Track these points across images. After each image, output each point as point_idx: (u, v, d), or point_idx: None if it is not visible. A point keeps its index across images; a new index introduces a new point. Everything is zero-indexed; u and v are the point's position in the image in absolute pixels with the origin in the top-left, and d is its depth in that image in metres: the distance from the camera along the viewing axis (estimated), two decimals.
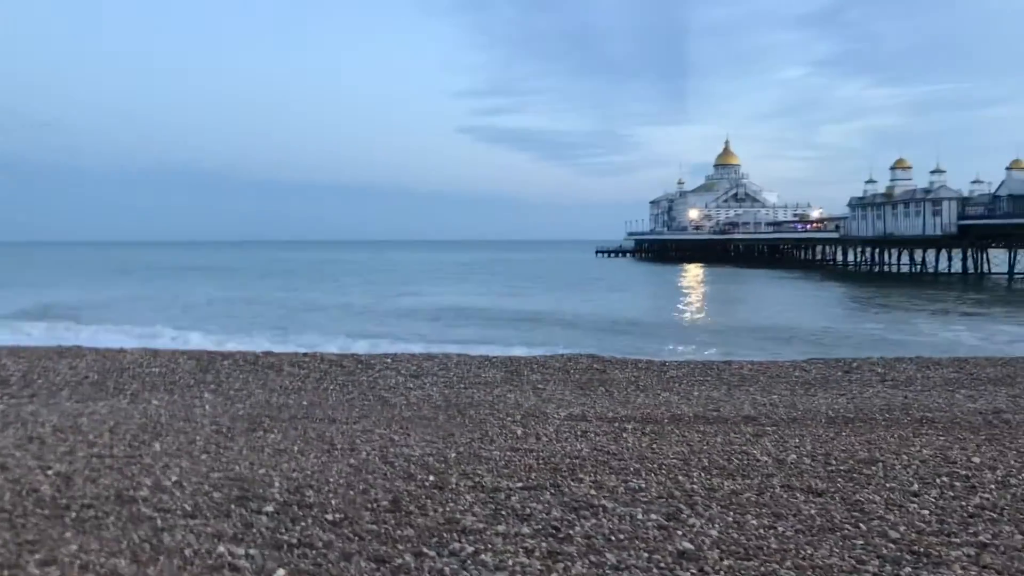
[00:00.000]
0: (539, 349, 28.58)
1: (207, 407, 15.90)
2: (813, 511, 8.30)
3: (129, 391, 18.02)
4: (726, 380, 19.54)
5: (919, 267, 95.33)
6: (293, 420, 14.25)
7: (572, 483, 9.51)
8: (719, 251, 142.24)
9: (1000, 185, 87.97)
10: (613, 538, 7.59)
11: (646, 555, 7.05)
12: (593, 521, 8.09)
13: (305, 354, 24.11)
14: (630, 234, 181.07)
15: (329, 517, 8.51)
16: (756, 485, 9.35)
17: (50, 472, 10.05)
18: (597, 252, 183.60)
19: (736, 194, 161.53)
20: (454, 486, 9.50)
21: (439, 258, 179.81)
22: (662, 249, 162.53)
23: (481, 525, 8.08)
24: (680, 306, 60.62)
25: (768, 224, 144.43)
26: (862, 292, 74.76)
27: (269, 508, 8.87)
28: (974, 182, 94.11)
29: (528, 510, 8.49)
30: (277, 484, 9.72)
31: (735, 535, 7.63)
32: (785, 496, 8.89)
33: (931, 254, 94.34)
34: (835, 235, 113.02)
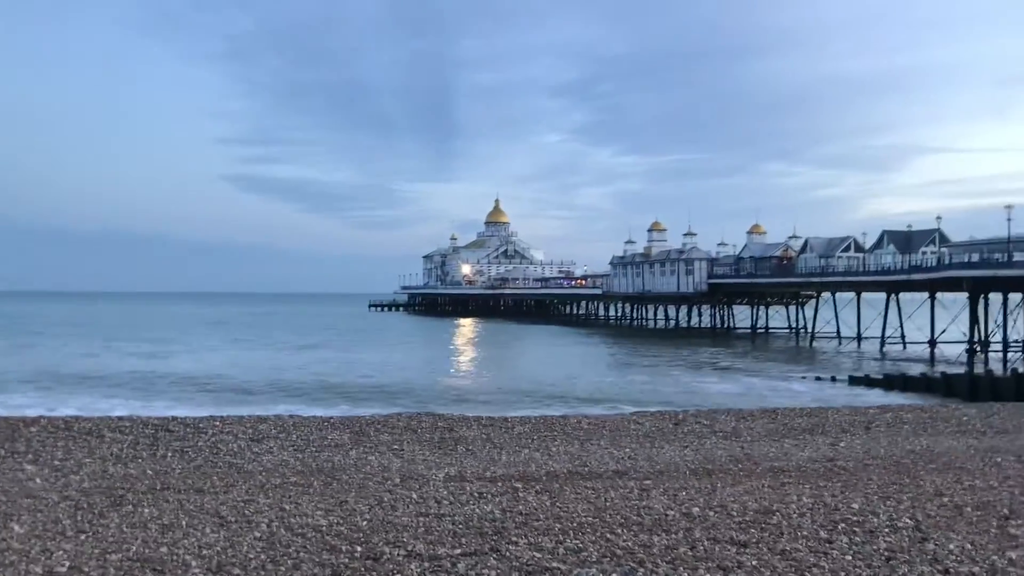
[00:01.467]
0: (360, 409, 28.10)
1: (38, 480, 14.36)
2: (754, 562, 8.80)
3: None
4: (572, 435, 20.14)
5: (674, 322, 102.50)
6: (155, 491, 13.21)
7: (509, 546, 9.50)
8: (490, 305, 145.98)
9: (743, 248, 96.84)
10: None
11: None
12: None
13: (121, 418, 22.30)
14: (404, 288, 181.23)
15: None
16: (683, 539, 9.76)
17: None
18: (370, 306, 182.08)
19: (506, 251, 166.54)
20: (389, 556, 9.23)
21: (203, 312, 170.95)
22: (436, 303, 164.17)
23: None
24: (466, 363, 61.61)
25: (536, 280, 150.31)
26: (625, 346, 79.17)
27: None
28: (720, 244, 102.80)
29: None
30: (194, 564, 9.03)
31: None
32: (717, 549, 9.35)
33: (684, 309, 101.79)
34: (598, 291, 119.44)
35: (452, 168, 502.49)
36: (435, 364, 58.92)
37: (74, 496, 12.79)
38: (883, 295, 69.68)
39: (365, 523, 10.77)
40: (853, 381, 46.37)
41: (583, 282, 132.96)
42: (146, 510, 11.69)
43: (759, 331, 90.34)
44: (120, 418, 22.44)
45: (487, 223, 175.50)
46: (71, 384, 40.37)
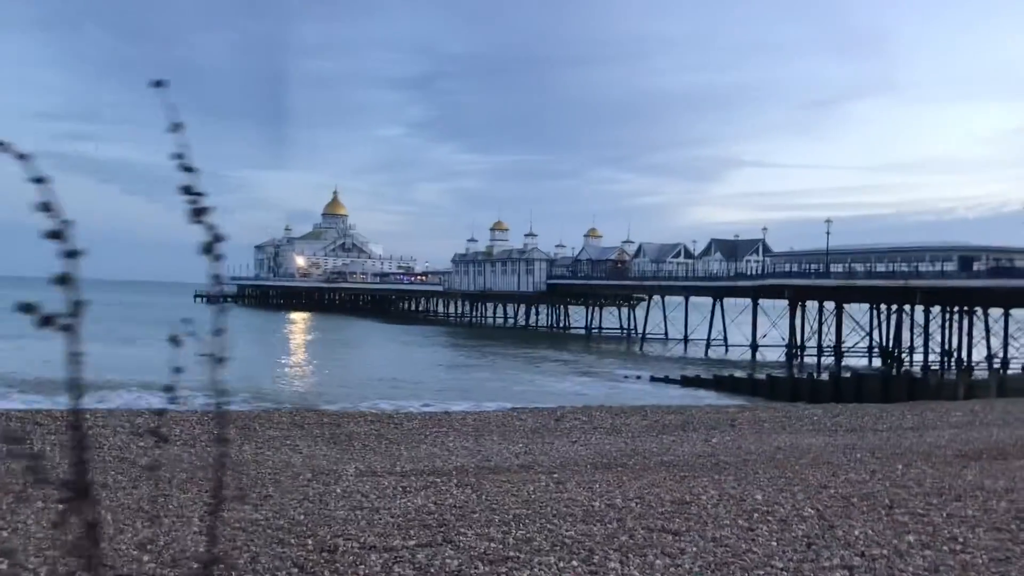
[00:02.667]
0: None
1: None
2: (694, 549, 9.50)
3: None
4: (463, 431, 20.49)
5: (513, 320, 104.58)
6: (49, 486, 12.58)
7: (460, 537, 9.81)
8: (325, 299, 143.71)
9: (580, 250, 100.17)
10: None
11: None
12: (527, 572, 8.56)
13: None
14: (233, 279, 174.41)
15: None
16: (620, 529, 10.36)
17: None
18: (196, 296, 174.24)
19: (344, 244, 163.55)
20: (345, 548, 9.35)
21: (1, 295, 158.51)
22: (267, 296, 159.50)
23: None
24: (305, 360, 60.78)
25: (375, 275, 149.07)
26: (467, 344, 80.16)
27: None
28: (558, 246, 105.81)
29: (453, 567, 8.70)
30: (145, 558, 8.88)
31: None
32: (655, 537, 10.00)
33: (523, 308, 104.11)
34: (439, 288, 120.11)
35: (286, 156, 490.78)
36: (274, 361, 57.75)
37: None
38: (710, 300, 73.89)
39: (302, 517, 10.79)
40: (686, 381, 49.12)
41: (424, 278, 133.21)
42: (60, 506, 11.19)
43: (593, 331, 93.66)
44: None
45: (324, 215, 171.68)
46: None
